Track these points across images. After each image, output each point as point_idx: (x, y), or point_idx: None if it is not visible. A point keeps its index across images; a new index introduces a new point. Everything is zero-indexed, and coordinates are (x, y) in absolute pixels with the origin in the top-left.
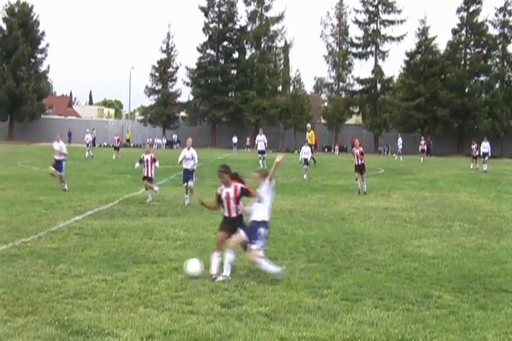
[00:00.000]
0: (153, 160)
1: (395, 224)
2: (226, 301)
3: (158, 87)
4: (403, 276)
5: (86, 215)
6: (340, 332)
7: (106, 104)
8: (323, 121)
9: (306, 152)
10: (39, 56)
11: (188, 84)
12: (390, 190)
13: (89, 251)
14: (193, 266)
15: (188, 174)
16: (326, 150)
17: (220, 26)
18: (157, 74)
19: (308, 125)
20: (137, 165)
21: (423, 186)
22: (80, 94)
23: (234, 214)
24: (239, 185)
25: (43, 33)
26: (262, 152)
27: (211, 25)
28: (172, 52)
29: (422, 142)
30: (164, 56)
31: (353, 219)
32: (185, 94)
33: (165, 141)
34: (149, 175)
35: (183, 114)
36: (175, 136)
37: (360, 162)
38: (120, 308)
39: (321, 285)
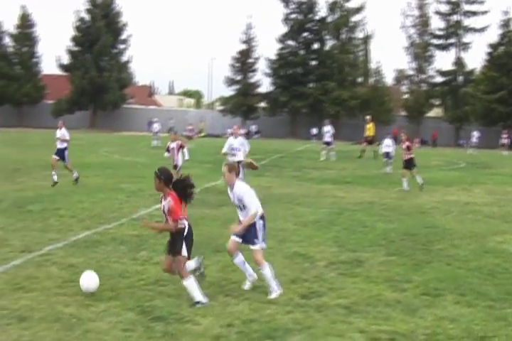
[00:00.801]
0: (180, 147)
1: (477, 219)
2: (305, 292)
3: (238, 78)
4: (485, 272)
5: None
6: (420, 328)
7: (186, 94)
8: (403, 113)
9: (387, 145)
10: (121, 46)
11: (268, 74)
12: (472, 185)
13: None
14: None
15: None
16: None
17: (300, 17)
18: (237, 64)
19: (368, 117)
20: (166, 154)
21: (506, 181)
22: (161, 84)
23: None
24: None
25: (125, 24)
26: (328, 143)
27: (291, 16)
28: (252, 43)
29: (505, 136)
30: (244, 47)
31: (434, 213)
32: (265, 84)
33: (244, 131)
34: (177, 163)
35: (262, 104)
36: (254, 127)
37: (407, 157)
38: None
39: (401, 278)
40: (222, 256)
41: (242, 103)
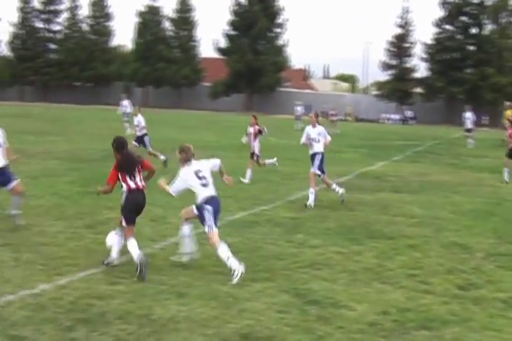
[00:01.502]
0: (258, 132)
1: None
2: (463, 283)
3: (394, 62)
4: None
5: (323, 187)
6: None
7: (341, 78)
8: None
9: None
10: (277, 30)
11: (424, 59)
12: None
13: (326, 223)
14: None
15: (317, 160)
16: None
17: (458, 0)
18: (393, 49)
19: (508, 103)
20: (244, 139)
21: None
22: (316, 67)
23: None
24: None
25: (281, 8)
26: (468, 130)
27: (449, 0)
28: (409, 27)
29: None
30: (400, 31)
31: None
32: (421, 70)
33: (399, 116)
34: (254, 151)
35: (418, 90)
36: (410, 113)
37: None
38: (355, 282)
39: None
40: (378, 242)
41: (398, 88)
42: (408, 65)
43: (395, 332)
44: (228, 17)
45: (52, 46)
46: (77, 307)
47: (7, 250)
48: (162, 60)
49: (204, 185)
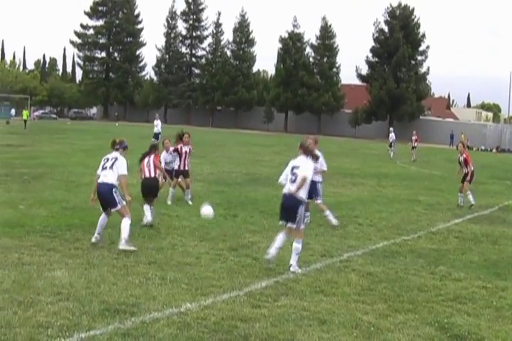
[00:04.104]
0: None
1: None
2: None
3: None
4: None
5: (465, 219)
6: None
7: (484, 107)
8: None
9: None
10: (419, 58)
11: None
12: None
13: (469, 256)
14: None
15: None
16: None
17: None
18: None
19: None
20: None
21: None
22: (457, 96)
23: None
24: None
25: (423, 35)
26: None
27: None
28: None
29: None
30: None
31: None
32: None
33: None
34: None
35: None
36: None
37: None
38: (501, 318)
39: None
40: None
41: None
42: None
43: None
44: (370, 44)
45: (196, 71)
46: (221, 328)
47: (152, 268)
48: (303, 86)
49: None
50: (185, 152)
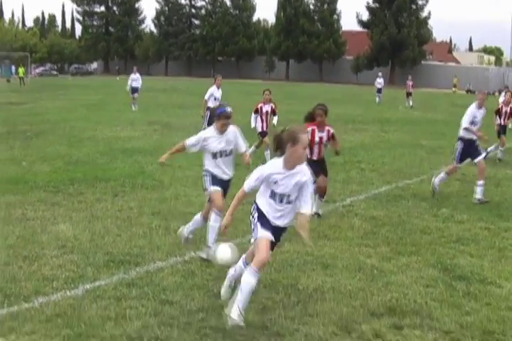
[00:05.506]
0: (272, 112)
1: None
2: None
3: None
4: None
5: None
6: None
7: (486, 50)
8: None
9: None
10: (420, 2)
11: None
12: None
13: (471, 198)
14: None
15: None
16: None
17: None
18: None
19: None
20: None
21: None
22: (459, 40)
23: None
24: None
25: None
26: None
27: None
28: None
29: None
30: None
31: None
32: None
33: None
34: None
35: None
36: None
37: None
38: (503, 259)
39: None
40: None
41: None
42: None
43: None
44: None
45: (196, 22)
46: (225, 275)
47: (156, 218)
48: (304, 34)
49: None
50: (267, 112)
